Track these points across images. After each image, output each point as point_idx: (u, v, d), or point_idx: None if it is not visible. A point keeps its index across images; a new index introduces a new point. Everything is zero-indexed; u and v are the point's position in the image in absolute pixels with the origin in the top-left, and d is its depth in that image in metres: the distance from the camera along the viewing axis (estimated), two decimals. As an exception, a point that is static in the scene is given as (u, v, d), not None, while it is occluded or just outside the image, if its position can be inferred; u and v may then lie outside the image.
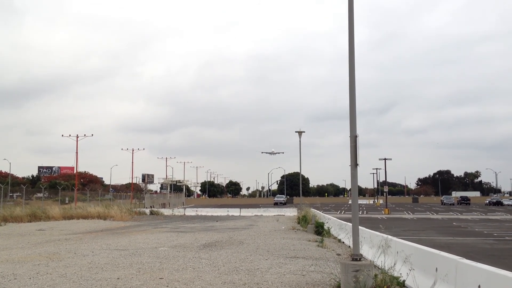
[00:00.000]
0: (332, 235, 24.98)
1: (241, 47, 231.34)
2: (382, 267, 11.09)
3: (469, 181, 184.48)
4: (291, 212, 50.25)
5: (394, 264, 11.10)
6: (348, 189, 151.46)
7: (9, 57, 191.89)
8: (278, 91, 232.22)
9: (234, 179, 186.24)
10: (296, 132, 50.74)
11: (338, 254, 16.82)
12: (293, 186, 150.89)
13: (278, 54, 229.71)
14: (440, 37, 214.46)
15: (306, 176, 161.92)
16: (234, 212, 53.26)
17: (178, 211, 54.37)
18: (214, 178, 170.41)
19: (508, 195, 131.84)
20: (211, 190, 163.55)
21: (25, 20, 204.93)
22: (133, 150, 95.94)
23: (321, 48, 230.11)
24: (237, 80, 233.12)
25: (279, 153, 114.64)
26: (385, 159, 67.80)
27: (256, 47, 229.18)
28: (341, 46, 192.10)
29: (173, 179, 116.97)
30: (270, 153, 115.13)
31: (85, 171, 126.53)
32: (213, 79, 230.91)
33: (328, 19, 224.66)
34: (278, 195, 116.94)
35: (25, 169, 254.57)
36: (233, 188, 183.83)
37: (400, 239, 13.08)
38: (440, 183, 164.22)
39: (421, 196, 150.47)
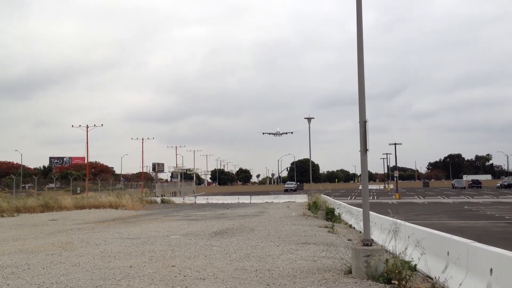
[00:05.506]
0: (343, 220, 24.98)
1: (248, 33, 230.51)
2: (394, 252, 11.06)
3: (480, 164, 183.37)
4: (301, 199, 50.32)
5: (406, 248, 11.07)
6: (358, 174, 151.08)
7: (17, 49, 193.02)
8: (286, 78, 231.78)
9: (244, 166, 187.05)
10: (305, 118, 50.67)
11: (349, 240, 16.80)
12: (303, 173, 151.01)
13: (285, 40, 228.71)
14: (448, 19, 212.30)
15: (316, 162, 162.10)
16: (245, 199, 53.44)
17: (189, 199, 54.67)
18: (224, 166, 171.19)
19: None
20: (221, 178, 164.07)
21: (32, 11, 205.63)
22: (142, 140, 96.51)
23: (329, 33, 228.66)
24: (245, 67, 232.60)
25: (286, 133, 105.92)
26: (395, 143, 67.51)
27: (262, 33, 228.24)
28: (350, 30, 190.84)
29: (183, 168, 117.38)
30: (274, 134, 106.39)
31: (96, 161, 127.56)
32: (221, 67, 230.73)
33: (335, 3, 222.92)
34: (288, 182, 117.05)
35: (36, 160, 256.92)
36: (243, 176, 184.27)
37: (411, 224, 13.04)
38: (451, 167, 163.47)
39: (432, 180, 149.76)
